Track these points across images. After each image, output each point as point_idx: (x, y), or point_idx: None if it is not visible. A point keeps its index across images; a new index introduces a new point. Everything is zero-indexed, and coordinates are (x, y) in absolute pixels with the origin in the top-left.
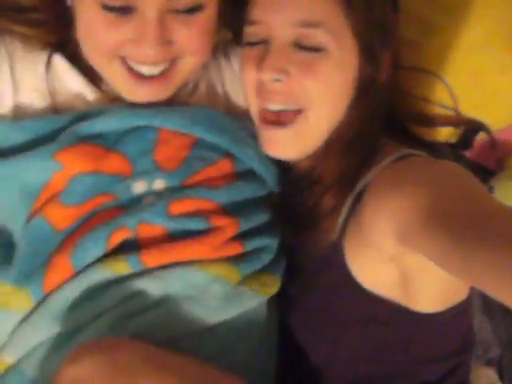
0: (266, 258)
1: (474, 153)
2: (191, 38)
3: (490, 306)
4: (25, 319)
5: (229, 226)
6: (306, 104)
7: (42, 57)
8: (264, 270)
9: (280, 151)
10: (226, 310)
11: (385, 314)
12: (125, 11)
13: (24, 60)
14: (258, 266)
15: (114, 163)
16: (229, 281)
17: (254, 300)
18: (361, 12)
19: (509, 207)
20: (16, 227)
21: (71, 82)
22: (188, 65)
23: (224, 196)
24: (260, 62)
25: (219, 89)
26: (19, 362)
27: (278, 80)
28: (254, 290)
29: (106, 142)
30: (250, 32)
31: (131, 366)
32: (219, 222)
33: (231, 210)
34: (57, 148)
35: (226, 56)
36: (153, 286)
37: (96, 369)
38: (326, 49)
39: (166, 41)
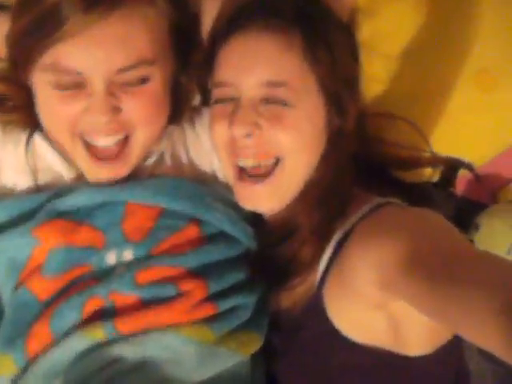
0: (243, 316)
1: (464, 189)
2: (139, 108)
3: None
4: None
5: (198, 289)
6: (279, 155)
7: (23, 138)
8: (243, 327)
9: (258, 205)
10: (203, 371)
11: (372, 361)
12: (75, 87)
13: (5, 143)
14: (234, 324)
15: (86, 236)
16: (203, 341)
17: (232, 359)
18: (325, 66)
19: (483, 252)
20: (5, 297)
21: (50, 161)
22: (141, 138)
23: (191, 260)
24: (230, 118)
25: (184, 157)
26: None
27: (250, 135)
28: (231, 350)
29: (77, 217)
30: (219, 93)
31: None
32: (187, 286)
33: (200, 273)
34: (33, 225)
35: (191, 122)
36: (130, 351)
37: None
38: (291, 104)
39: (114, 108)
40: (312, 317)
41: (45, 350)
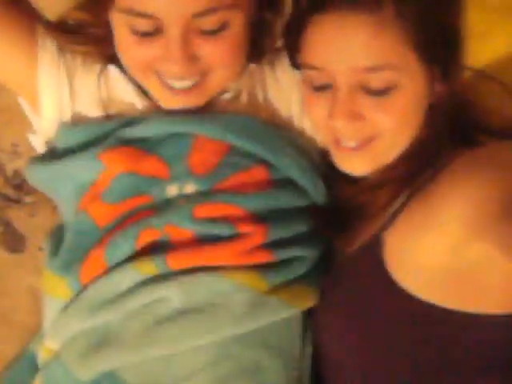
0: (300, 269)
1: None
2: (218, 54)
3: None
4: (64, 308)
5: (257, 234)
6: (381, 133)
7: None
8: (298, 281)
9: (354, 170)
10: (251, 320)
11: (423, 314)
12: (152, 33)
13: (83, 73)
14: (289, 276)
15: (151, 165)
16: (255, 289)
17: (283, 311)
18: (424, 33)
19: None
20: (68, 221)
21: (123, 92)
22: (219, 77)
23: (254, 202)
24: (330, 110)
25: (261, 97)
26: (60, 351)
27: (351, 124)
28: (283, 301)
29: (145, 146)
30: (312, 75)
31: None
32: (246, 228)
33: (261, 218)
34: (101, 149)
35: (271, 64)
36: (178, 292)
37: None
38: (396, 86)
39: (191, 57)
40: (366, 258)
41: (97, 279)
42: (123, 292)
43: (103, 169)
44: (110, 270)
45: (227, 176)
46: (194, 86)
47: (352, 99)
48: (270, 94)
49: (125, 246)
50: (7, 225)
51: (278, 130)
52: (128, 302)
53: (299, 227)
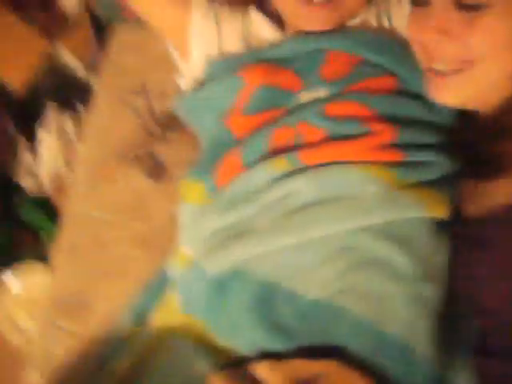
0: (430, 174)
1: None
2: None
3: None
4: (201, 211)
5: (387, 132)
6: (471, 58)
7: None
8: (429, 185)
9: (443, 97)
10: (382, 211)
11: None
12: None
13: (228, 17)
14: (419, 177)
15: (287, 78)
16: (386, 183)
17: (413, 208)
18: None
19: None
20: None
21: (264, 32)
22: None
23: (384, 104)
24: (422, 24)
25: (387, 24)
26: (194, 254)
27: (438, 41)
28: (414, 198)
29: (280, 62)
30: None
31: None
32: (377, 126)
33: (391, 119)
34: (240, 67)
35: None
36: (310, 183)
37: None
38: (488, 3)
39: None
40: None
41: (233, 180)
42: (258, 188)
43: (242, 85)
44: (245, 170)
45: (358, 81)
46: (331, 1)
47: (443, 14)
48: (395, 21)
49: (260, 144)
50: (152, 157)
51: (409, 51)
52: (262, 197)
53: (431, 138)
